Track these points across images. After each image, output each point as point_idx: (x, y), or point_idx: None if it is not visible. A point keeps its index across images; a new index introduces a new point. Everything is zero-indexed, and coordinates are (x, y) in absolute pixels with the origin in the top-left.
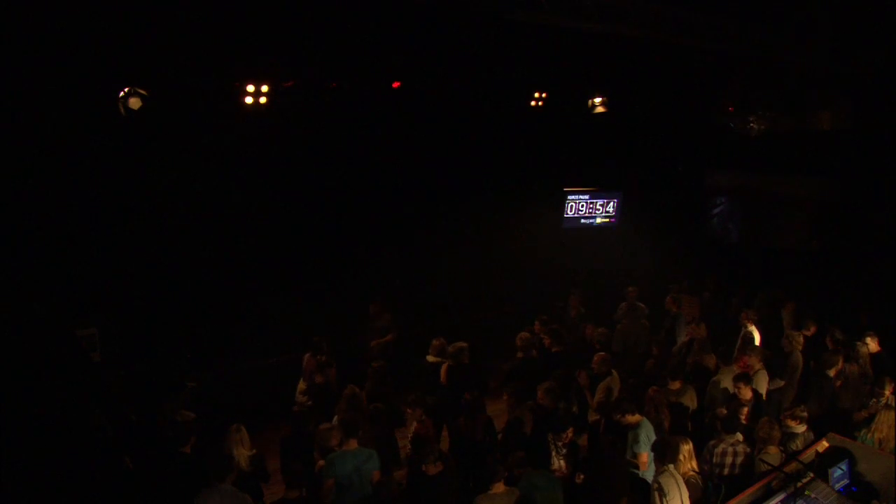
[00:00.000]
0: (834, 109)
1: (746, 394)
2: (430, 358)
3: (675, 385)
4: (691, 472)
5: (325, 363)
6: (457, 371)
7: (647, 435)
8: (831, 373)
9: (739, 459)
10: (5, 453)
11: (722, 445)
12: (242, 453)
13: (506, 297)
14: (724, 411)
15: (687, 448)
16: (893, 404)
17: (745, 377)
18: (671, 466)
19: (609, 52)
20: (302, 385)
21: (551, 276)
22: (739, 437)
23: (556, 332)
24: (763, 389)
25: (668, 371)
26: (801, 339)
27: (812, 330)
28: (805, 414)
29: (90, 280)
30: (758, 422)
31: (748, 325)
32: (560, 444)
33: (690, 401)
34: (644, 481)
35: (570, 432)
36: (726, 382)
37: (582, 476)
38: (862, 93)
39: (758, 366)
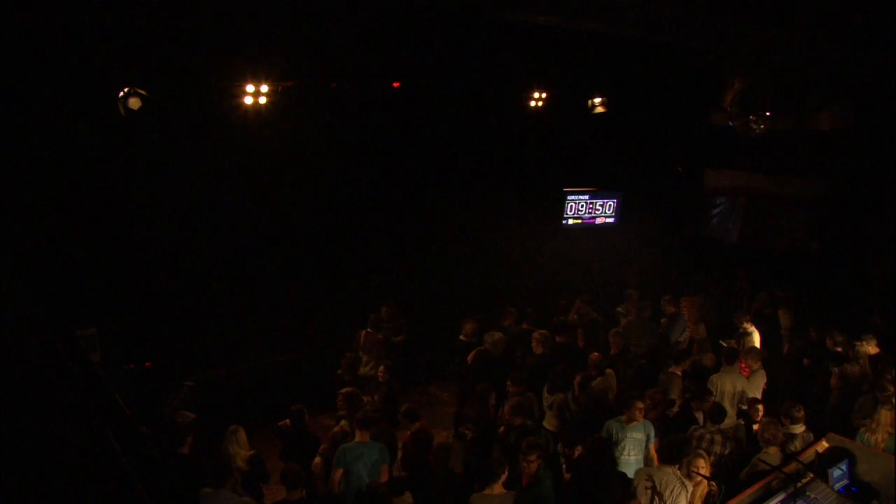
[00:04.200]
0: (834, 109)
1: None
2: (462, 337)
3: (678, 370)
4: (705, 483)
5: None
6: (483, 357)
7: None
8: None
9: (717, 448)
10: (3, 454)
11: (701, 430)
12: (239, 453)
13: (504, 298)
14: (711, 401)
15: (703, 462)
16: (893, 405)
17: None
18: (670, 469)
19: (609, 52)
20: (364, 358)
21: (551, 276)
22: (720, 427)
23: (542, 336)
24: (760, 390)
25: (671, 357)
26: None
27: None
28: (801, 413)
29: (90, 280)
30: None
31: (747, 325)
32: (565, 457)
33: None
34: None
35: (578, 449)
36: (725, 381)
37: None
38: (862, 93)
39: (755, 366)
